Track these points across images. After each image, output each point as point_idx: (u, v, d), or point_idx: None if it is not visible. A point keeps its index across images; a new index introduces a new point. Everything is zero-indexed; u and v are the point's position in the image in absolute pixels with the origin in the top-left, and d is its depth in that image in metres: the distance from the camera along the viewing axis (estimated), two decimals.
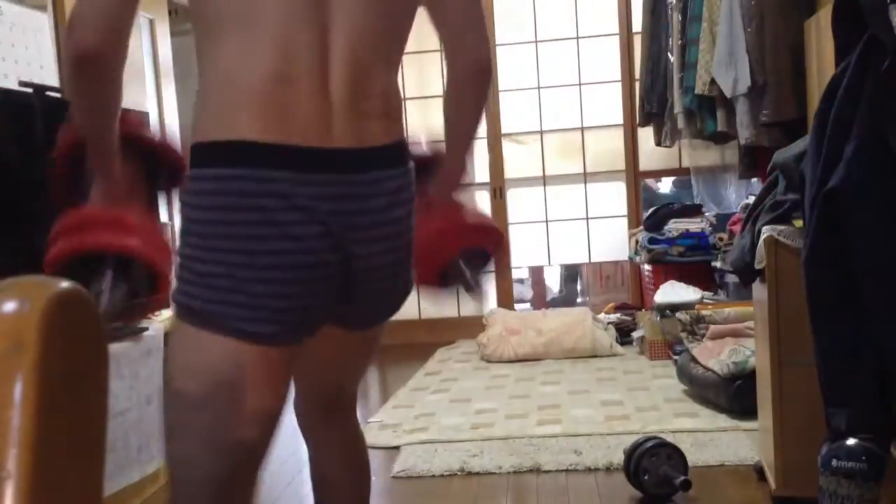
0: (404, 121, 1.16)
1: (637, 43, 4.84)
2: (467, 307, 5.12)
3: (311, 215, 1.01)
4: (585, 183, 5.21)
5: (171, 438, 1.10)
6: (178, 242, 1.04)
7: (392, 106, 1.10)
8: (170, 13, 4.02)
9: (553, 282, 6.41)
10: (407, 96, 4.87)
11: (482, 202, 4.86)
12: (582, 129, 5.17)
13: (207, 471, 1.07)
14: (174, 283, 1.06)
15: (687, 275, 4.19)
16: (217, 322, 1.01)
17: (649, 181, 5.68)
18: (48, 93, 2.52)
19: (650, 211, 4.54)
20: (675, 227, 4.31)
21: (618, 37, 5.07)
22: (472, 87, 1.21)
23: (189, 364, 1.06)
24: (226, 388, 1.03)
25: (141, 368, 2.54)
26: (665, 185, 6.01)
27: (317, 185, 1.01)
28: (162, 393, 1.12)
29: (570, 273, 6.32)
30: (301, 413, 1.37)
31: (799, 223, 1.97)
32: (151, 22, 3.73)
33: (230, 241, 1.00)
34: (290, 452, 3.03)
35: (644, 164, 5.14)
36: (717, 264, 3.85)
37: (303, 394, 1.35)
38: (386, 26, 1.08)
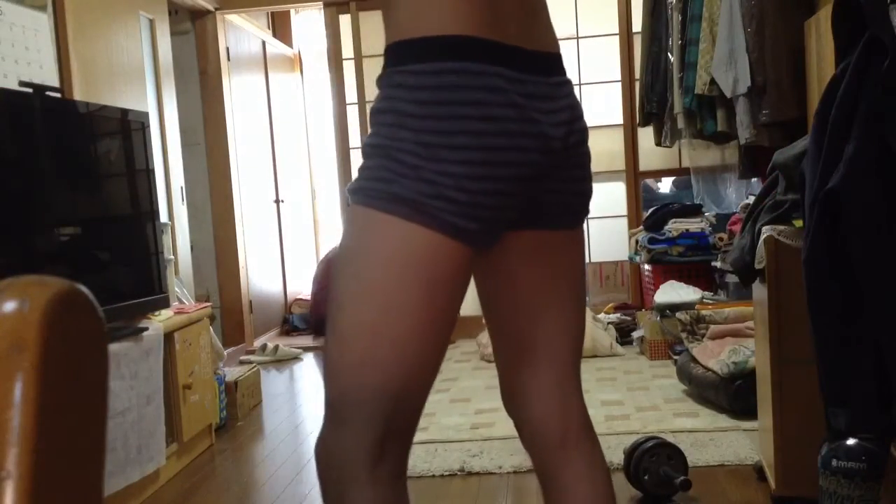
0: None
1: (637, 43, 4.84)
2: (467, 307, 5.13)
3: (524, 113, 1.02)
4: None
5: (341, 314, 1.05)
6: (375, 132, 1.04)
7: (550, 19, 1.16)
8: (170, 13, 4.02)
9: None
10: None
11: None
12: None
13: (372, 374, 1.03)
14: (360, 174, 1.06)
15: (687, 275, 4.20)
16: (430, 214, 1.00)
17: (649, 181, 5.68)
18: (48, 93, 2.52)
19: (650, 211, 4.54)
20: (675, 227, 4.31)
21: (618, 37, 5.07)
22: None
23: (386, 253, 1.03)
24: (424, 282, 1.02)
25: (141, 368, 2.54)
26: (665, 185, 6.01)
27: (528, 83, 1.04)
28: (336, 286, 1.07)
29: None
30: (532, 438, 1.26)
31: (799, 223, 1.97)
32: (151, 22, 3.73)
33: (446, 136, 1.00)
34: (290, 452, 3.03)
35: (644, 164, 5.14)
36: (717, 264, 3.85)
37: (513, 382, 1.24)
38: None
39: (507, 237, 1.14)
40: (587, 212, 1.20)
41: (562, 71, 1.12)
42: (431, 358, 1.06)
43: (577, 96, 1.16)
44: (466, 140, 0.99)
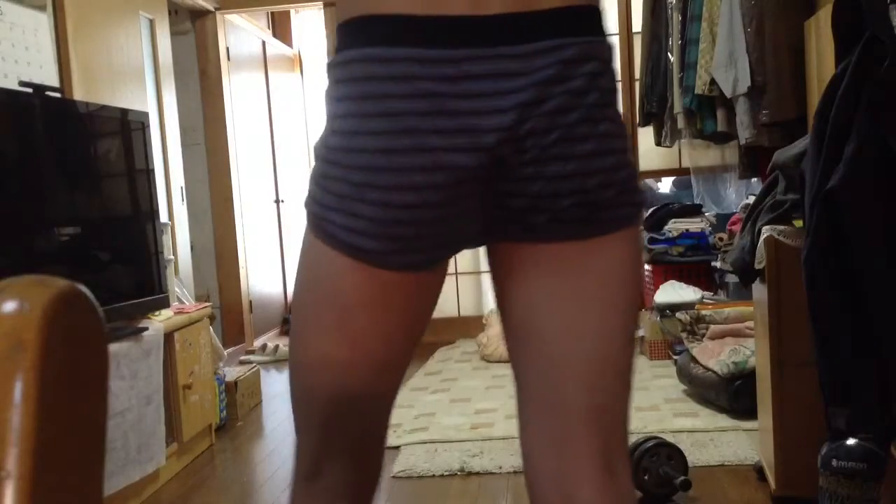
0: None
1: (637, 43, 4.84)
2: (467, 307, 5.13)
3: (440, 104, 0.81)
4: None
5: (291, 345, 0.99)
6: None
7: None
8: (170, 13, 4.02)
9: None
10: None
11: None
12: None
13: (311, 384, 0.97)
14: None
15: (687, 275, 4.19)
16: (328, 231, 0.88)
17: (649, 181, 5.68)
18: (48, 93, 2.52)
19: (650, 211, 4.54)
20: (675, 227, 4.31)
21: (618, 37, 5.08)
22: None
23: (305, 275, 0.94)
24: (335, 308, 0.90)
25: (141, 368, 2.54)
26: (665, 185, 6.01)
27: (447, 63, 0.81)
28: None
29: None
30: (538, 473, 0.96)
31: (799, 223, 1.97)
32: (151, 22, 3.73)
33: (340, 136, 0.86)
34: (290, 452, 3.03)
35: (644, 164, 5.14)
36: (717, 264, 3.85)
37: (539, 430, 0.97)
38: None
39: (498, 249, 0.94)
40: (605, 215, 0.88)
41: (546, 33, 0.83)
42: (366, 383, 0.95)
43: (593, 66, 0.85)
44: (366, 142, 0.83)
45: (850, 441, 1.55)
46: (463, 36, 0.81)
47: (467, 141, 0.82)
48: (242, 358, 4.72)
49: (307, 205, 0.91)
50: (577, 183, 0.86)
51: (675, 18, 4.08)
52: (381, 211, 0.84)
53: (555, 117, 0.83)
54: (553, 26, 0.83)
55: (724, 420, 2.92)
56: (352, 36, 0.85)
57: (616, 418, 0.94)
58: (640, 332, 4.24)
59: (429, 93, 0.81)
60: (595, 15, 0.88)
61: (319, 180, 0.88)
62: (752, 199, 2.40)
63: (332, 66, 0.88)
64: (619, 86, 5.08)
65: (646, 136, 4.87)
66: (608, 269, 0.90)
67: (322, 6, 5.11)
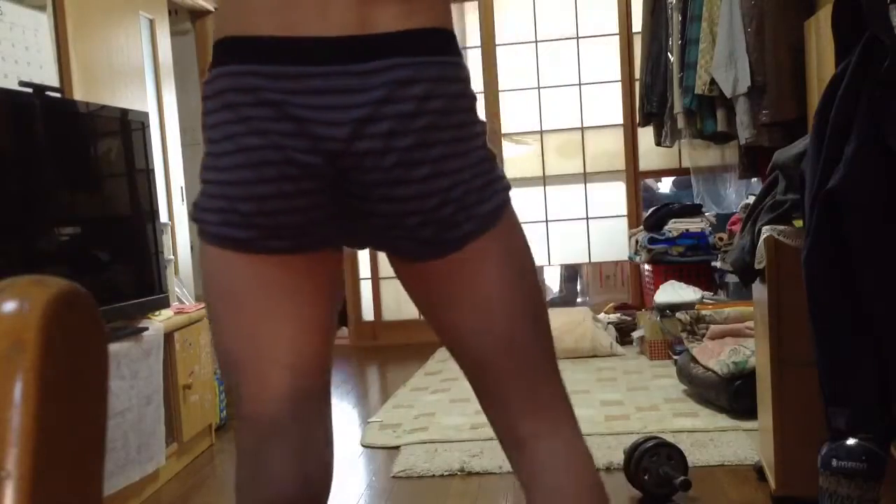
0: (445, 10, 0.99)
1: (637, 43, 4.84)
2: None
3: (281, 110, 0.92)
4: (585, 183, 5.21)
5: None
6: None
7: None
8: (170, 13, 4.02)
9: (553, 282, 6.41)
10: None
11: None
12: (582, 129, 5.17)
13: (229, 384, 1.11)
14: None
15: (687, 275, 4.20)
16: (202, 229, 1.01)
17: (649, 181, 5.69)
18: (48, 93, 2.52)
19: (650, 211, 4.54)
20: (675, 227, 4.31)
21: (618, 37, 5.07)
22: None
23: (203, 278, 1.07)
24: (221, 296, 1.03)
25: (141, 368, 2.54)
26: (665, 185, 6.01)
27: (288, 78, 0.92)
28: None
29: (570, 273, 6.32)
30: (498, 435, 1.14)
31: (799, 223, 1.97)
32: (151, 22, 3.73)
33: (211, 144, 0.99)
34: None
35: (644, 164, 5.14)
36: (717, 264, 3.85)
37: (478, 393, 1.13)
38: None
39: (391, 260, 1.06)
40: (452, 234, 0.97)
41: (380, 54, 0.91)
42: (274, 372, 1.04)
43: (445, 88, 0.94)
44: (227, 145, 0.96)
45: (850, 441, 1.55)
46: (306, 55, 0.92)
47: (310, 144, 0.92)
48: None
49: (191, 214, 1.03)
50: (417, 204, 0.95)
51: (675, 18, 4.08)
52: (245, 204, 0.95)
53: (389, 140, 0.92)
54: (387, 48, 0.92)
55: (724, 420, 2.92)
56: (216, 56, 0.97)
57: (534, 371, 1.08)
58: (640, 332, 4.24)
59: (273, 102, 0.92)
60: (435, 36, 0.95)
61: (200, 188, 1.01)
62: (752, 199, 2.40)
63: (203, 84, 1.00)
64: (619, 86, 5.07)
65: (646, 136, 4.87)
66: (477, 279, 1.01)
67: None
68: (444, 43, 0.96)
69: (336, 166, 0.93)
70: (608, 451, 2.62)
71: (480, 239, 1.00)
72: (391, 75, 0.91)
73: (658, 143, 4.65)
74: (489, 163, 1.01)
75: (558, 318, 4.34)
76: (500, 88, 5.13)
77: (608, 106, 5.13)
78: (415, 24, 0.94)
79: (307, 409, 1.07)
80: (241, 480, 1.13)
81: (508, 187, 1.05)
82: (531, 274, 1.07)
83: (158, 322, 2.72)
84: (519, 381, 1.07)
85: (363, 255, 5.33)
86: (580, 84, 5.15)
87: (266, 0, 0.94)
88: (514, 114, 5.19)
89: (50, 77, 2.86)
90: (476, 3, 5.11)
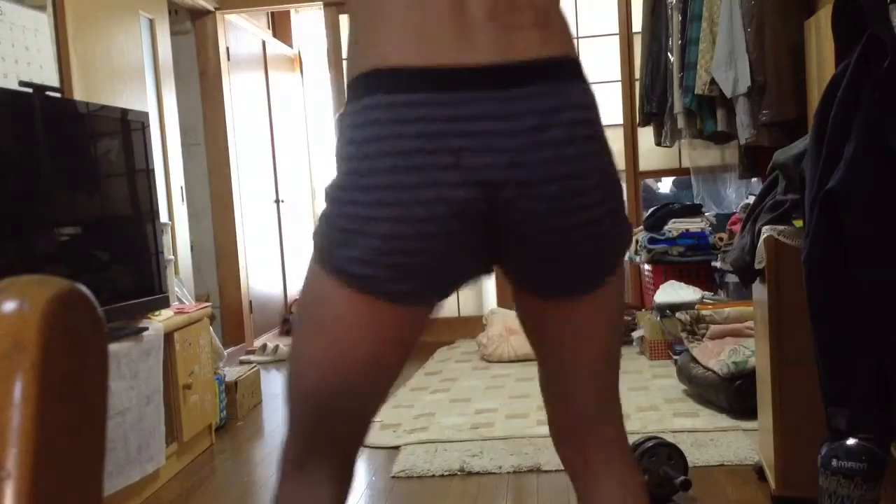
0: (571, 37, 1.01)
1: (637, 43, 4.84)
2: (467, 307, 5.13)
3: (436, 141, 0.90)
4: None
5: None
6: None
7: (551, 18, 0.97)
8: (170, 13, 4.02)
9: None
10: None
11: None
12: None
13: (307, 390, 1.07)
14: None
15: (687, 275, 4.19)
16: (333, 265, 0.96)
17: (649, 181, 5.69)
18: (48, 93, 2.52)
19: (650, 211, 4.54)
20: (675, 227, 4.31)
21: (618, 37, 5.08)
22: None
23: (307, 299, 1.04)
24: (323, 331, 1.01)
25: (141, 368, 2.54)
26: (665, 185, 6.01)
27: (441, 105, 0.90)
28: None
29: None
30: (562, 455, 1.19)
31: (799, 223, 1.97)
32: (151, 22, 3.73)
33: (357, 176, 0.94)
34: None
35: (644, 164, 5.14)
36: (717, 264, 3.85)
37: (551, 419, 1.18)
38: None
39: (517, 293, 1.07)
40: (602, 273, 1.01)
41: (527, 81, 0.92)
42: (348, 398, 1.05)
43: (580, 115, 0.95)
44: (376, 179, 0.92)
45: (850, 441, 1.55)
46: (457, 82, 0.91)
47: (466, 176, 0.90)
48: (242, 358, 4.72)
49: (315, 237, 1.00)
50: (577, 234, 0.96)
51: (675, 18, 4.08)
52: (384, 242, 0.92)
53: (548, 169, 0.92)
54: (533, 75, 0.93)
55: (724, 420, 2.92)
56: (362, 88, 0.94)
57: (609, 391, 1.14)
58: (640, 332, 4.24)
59: (428, 132, 0.90)
60: (571, 63, 0.98)
61: (330, 218, 0.96)
62: (752, 199, 2.40)
63: (344, 116, 0.97)
64: (619, 86, 5.08)
65: (646, 136, 4.87)
66: (601, 316, 1.06)
67: (322, 6, 5.11)
68: (579, 69, 0.99)
69: (490, 198, 0.91)
70: None
71: (613, 275, 1.03)
72: (541, 102, 0.92)
73: (658, 143, 4.65)
74: (620, 189, 1.02)
75: None
76: None
77: (608, 106, 5.13)
78: (552, 51, 0.95)
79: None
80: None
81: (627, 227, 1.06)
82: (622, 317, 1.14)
83: (158, 322, 2.72)
84: (597, 411, 1.13)
85: None
86: None
87: (408, 32, 0.92)
88: None
89: (50, 77, 2.86)
90: None
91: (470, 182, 0.90)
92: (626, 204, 1.02)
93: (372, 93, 0.93)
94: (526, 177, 0.91)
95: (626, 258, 4.64)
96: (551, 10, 0.98)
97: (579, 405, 1.12)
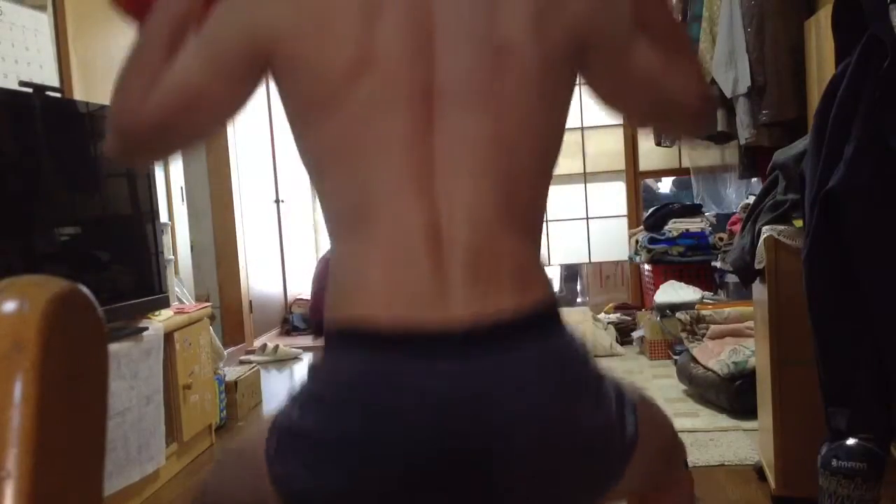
0: (545, 274, 0.98)
1: None
2: None
3: (408, 406, 0.87)
4: (585, 183, 5.21)
5: None
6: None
7: (530, 273, 0.95)
8: None
9: (553, 281, 6.41)
10: None
11: None
12: (582, 129, 5.17)
13: None
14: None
15: (687, 275, 4.20)
16: (281, 471, 0.93)
17: (649, 181, 5.69)
18: (48, 93, 2.52)
19: (650, 211, 4.54)
20: (675, 227, 4.31)
21: None
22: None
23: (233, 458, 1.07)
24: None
25: (141, 368, 2.54)
26: (665, 185, 6.01)
27: (413, 372, 0.87)
28: None
29: (570, 273, 6.33)
30: None
31: (799, 223, 1.97)
32: None
33: (312, 415, 0.92)
34: None
35: (644, 164, 5.14)
36: (717, 264, 3.85)
37: None
38: (512, 188, 0.94)
39: None
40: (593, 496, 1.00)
41: (505, 340, 0.89)
42: None
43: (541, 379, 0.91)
44: (338, 429, 0.90)
45: (850, 441, 1.55)
46: (430, 345, 0.88)
47: (437, 443, 0.87)
48: (242, 358, 4.72)
49: (277, 422, 0.95)
50: (559, 481, 0.93)
51: None
52: (349, 481, 0.89)
53: (527, 432, 0.88)
54: (512, 334, 0.89)
55: (724, 420, 2.92)
56: (334, 341, 0.93)
57: None
58: (640, 332, 4.24)
59: (398, 398, 0.87)
60: (549, 312, 0.94)
61: (295, 436, 0.92)
62: (752, 199, 2.39)
63: (312, 367, 0.95)
64: None
65: (646, 136, 4.87)
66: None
67: None
68: (556, 316, 0.95)
69: (463, 464, 0.88)
70: None
71: (633, 456, 1.00)
72: (519, 369, 0.89)
73: (658, 143, 4.65)
74: (621, 404, 0.99)
75: None
76: None
77: None
78: (530, 299, 0.92)
79: None
80: None
81: (635, 407, 1.02)
82: (661, 423, 1.15)
83: (158, 322, 2.72)
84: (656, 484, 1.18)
85: None
86: (580, 84, 5.15)
87: (381, 285, 0.90)
88: None
89: (50, 77, 2.86)
90: None
91: (442, 450, 0.88)
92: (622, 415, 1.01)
93: (343, 348, 0.92)
94: (505, 446, 0.88)
95: (627, 258, 4.59)
96: (530, 264, 0.95)
97: None
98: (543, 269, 0.98)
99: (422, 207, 0.91)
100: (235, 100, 0.98)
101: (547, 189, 1.01)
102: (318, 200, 1.03)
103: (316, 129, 0.95)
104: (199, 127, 1.00)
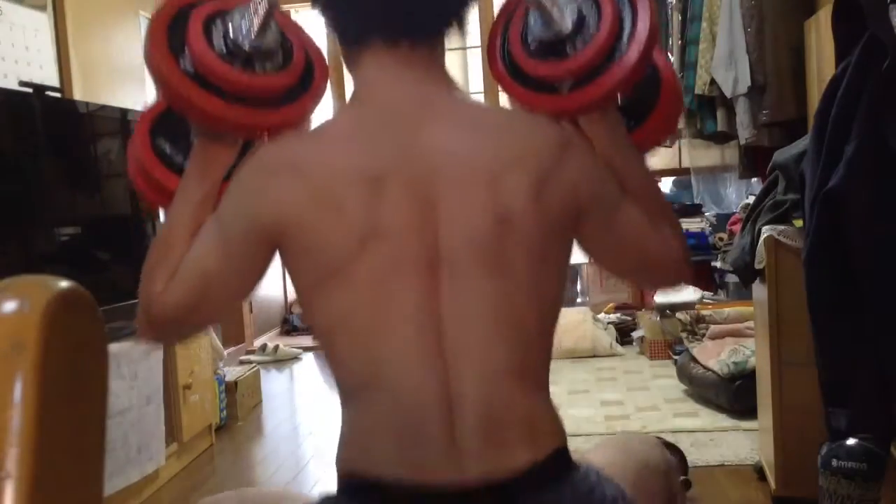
0: (561, 435, 1.00)
1: None
2: None
3: None
4: None
5: None
6: None
7: (540, 421, 0.97)
8: None
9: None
10: None
11: None
12: None
13: None
14: None
15: None
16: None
17: None
18: (48, 93, 2.52)
19: None
20: None
21: None
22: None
23: None
24: None
25: (141, 368, 2.54)
26: (665, 185, 6.00)
27: None
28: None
29: (570, 273, 6.33)
30: None
31: (799, 223, 1.97)
32: None
33: None
34: (289, 452, 3.03)
35: None
36: (717, 264, 3.85)
37: None
38: (519, 346, 0.96)
39: None
40: None
41: (515, 497, 0.91)
42: None
43: None
44: None
45: (850, 441, 1.55)
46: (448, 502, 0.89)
47: None
48: (242, 358, 4.72)
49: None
50: None
51: (675, 18, 4.08)
52: None
53: None
54: (522, 489, 0.91)
55: (724, 420, 2.92)
56: (342, 491, 0.95)
57: None
58: (640, 332, 4.24)
59: None
60: (561, 460, 0.96)
61: None
62: (752, 199, 2.39)
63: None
64: None
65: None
66: None
67: None
68: (568, 463, 0.97)
69: None
70: None
71: None
72: None
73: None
74: None
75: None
76: (499, 89, 5.13)
77: None
78: (541, 448, 0.93)
79: None
80: None
81: None
82: None
83: None
84: None
85: None
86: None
87: (392, 440, 0.92)
88: None
89: (50, 77, 2.86)
90: (476, 3, 5.09)
91: None
92: None
93: (350, 499, 0.94)
94: None
95: None
96: (540, 414, 0.96)
97: None
98: (557, 417, 0.99)
99: (432, 368, 0.92)
100: (250, 280, 1.03)
101: (550, 347, 1.02)
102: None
103: (325, 300, 0.96)
104: (218, 308, 1.05)
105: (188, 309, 0.99)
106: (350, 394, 0.97)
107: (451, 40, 1.06)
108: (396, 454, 0.92)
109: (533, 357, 0.98)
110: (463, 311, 0.93)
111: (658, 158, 5.09)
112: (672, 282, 1.16)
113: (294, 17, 6.17)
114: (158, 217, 2.91)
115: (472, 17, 1.10)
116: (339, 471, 0.97)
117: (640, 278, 1.22)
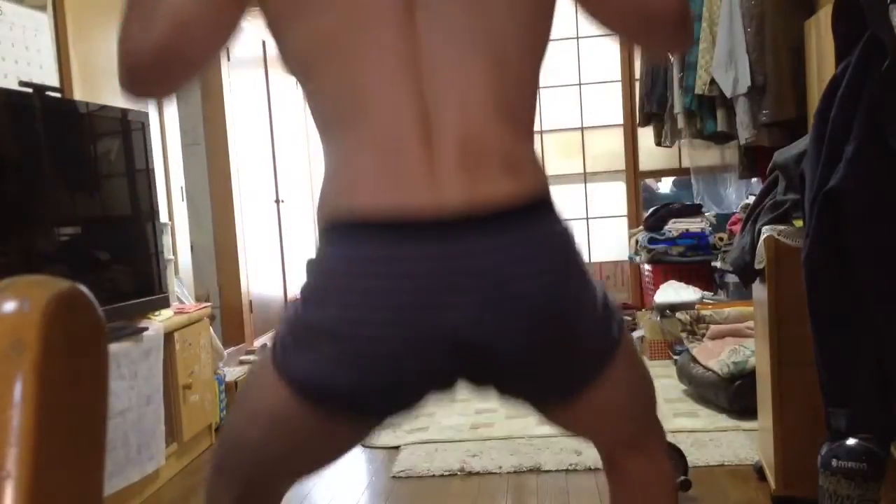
0: (541, 169, 1.01)
1: None
2: None
3: (403, 296, 0.91)
4: (585, 183, 5.21)
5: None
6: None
7: (521, 161, 0.97)
8: None
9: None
10: None
11: None
12: (582, 129, 5.17)
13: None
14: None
15: (687, 275, 4.19)
16: (289, 368, 0.99)
17: (649, 181, 5.69)
18: (48, 93, 2.52)
19: (650, 211, 4.54)
20: (675, 227, 4.31)
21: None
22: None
23: (249, 393, 1.10)
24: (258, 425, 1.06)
25: (141, 368, 2.54)
26: (665, 185, 6.01)
27: (404, 260, 0.91)
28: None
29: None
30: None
31: (799, 223, 1.97)
32: None
33: (317, 310, 0.97)
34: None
35: (644, 164, 5.14)
36: (717, 264, 3.85)
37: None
38: (501, 79, 0.96)
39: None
40: (575, 385, 1.06)
41: (496, 230, 0.91)
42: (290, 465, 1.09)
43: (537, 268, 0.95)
44: (341, 327, 0.95)
45: (850, 441, 1.55)
46: (422, 235, 0.91)
47: (433, 332, 0.92)
48: (242, 358, 4.72)
49: (277, 340, 1.01)
50: (553, 367, 1.02)
51: None
52: (348, 369, 0.95)
53: (518, 321, 0.93)
54: (503, 223, 0.92)
55: (724, 420, 2.92)
56: (327, 237, 0.97)
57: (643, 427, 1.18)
58: (640, 332, 4.24)
59: (392, 288, 0.91)
60: (543, 205, 0.98)
61: (298, 329, 0.98)
62: (752, 199, 2.39)
63: (310, 262, 0.99)
64: (619, 86, 5.07)
65: (646, 136, 4.87)
66: (614, 394, 1.08)
67: None
68: (551, 205, 0.99)
69: (461, 350, 0.94)
70: None
71: (613, 362, 1.05)
72: (511, 253, 0.92)
73: (658, 143, 4.65)
74: (607, 307, 1.04)
75: None
76: None
77: (608, 106, 5.13)
78: (524, 187, 0.95)
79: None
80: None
81: (621, 318, 1.09)
82: (642, 367, 1.18)
83: (158, 322, 2.72)
84: (629, 437, 1.18)
85: None
86: (580, 84, 5.15)
87: (371, 172, 0.93)
88: None
89: (50, 77, 2.86)
90: None
91: (438, 338, 0.93)
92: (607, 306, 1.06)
93: (335, 243, 0.95)
94: (496, 332, 0.93)
95: (627, 258, 4.61)
96: (521, 154, 0.97)
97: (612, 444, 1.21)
98: (538, 163, 1.00)
99: (411, 96, 0.93)
100: (226, 23, 1.03)
101: (535, 91, 1.03)
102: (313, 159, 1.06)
103: (301, 28, 0.97)
104: (196, 53, 1.03)
105: (166, 53, 0.99)
106: (331, 126, 1.00)
107: None
108: (376, 180, 0.93)
109: (514, 95, 0.98)
110: (444, 39, 0.94)
111: (658, 158, 5.10)
112: (672, 37, 1.10)
113: None
114: (158, 217, 2.91)
115: None
116: (321, 218, 0.99)
117: (638, 33, 1.15)
